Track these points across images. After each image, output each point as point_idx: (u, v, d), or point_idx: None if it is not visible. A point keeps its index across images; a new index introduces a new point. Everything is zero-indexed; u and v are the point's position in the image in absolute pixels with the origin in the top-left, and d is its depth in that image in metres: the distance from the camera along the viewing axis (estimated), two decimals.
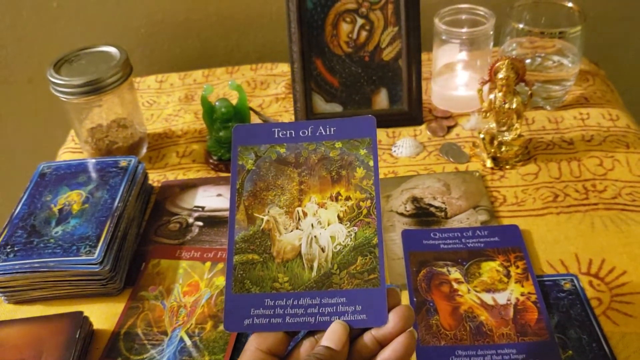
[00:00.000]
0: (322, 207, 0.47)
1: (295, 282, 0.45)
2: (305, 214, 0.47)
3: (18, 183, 0.84)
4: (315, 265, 0.45)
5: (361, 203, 0.47)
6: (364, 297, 0.44)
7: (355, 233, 0.46)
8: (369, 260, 0.45)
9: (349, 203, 0.47)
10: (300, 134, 0.50)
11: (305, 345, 0.44)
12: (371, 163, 0.48)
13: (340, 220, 0.47)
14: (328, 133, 0.49)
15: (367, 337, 0.43)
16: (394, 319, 0.43)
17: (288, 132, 0.50)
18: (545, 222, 0.72)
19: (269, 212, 0.48)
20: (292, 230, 0.47)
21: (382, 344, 0.43)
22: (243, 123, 0.78)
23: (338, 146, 0.49)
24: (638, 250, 0.67)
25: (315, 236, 0.46)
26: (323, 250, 0.46)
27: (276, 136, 0.50)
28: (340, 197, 0.47)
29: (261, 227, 0.47)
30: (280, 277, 0.45)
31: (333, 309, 0.44)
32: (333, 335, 0.42)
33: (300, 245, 0.46)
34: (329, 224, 0.47)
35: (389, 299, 0.44)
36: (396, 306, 0.43)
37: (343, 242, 0.46)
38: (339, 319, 0.43)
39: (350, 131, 0.49)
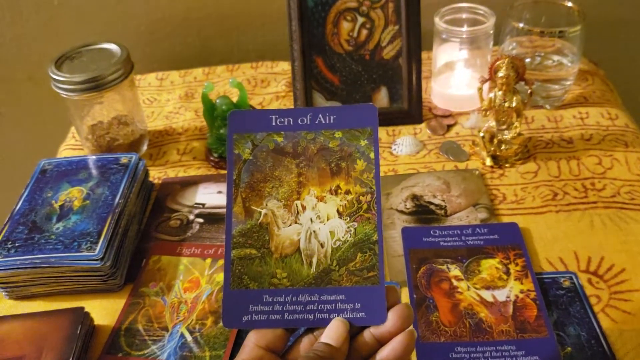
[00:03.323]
0: (321, 201, 0.46)
1: (294, 278, 0.45)
2: (304, 208, 0.46)
3: (19, 179, 0.84)
4: (314, 261, 0.45)
5: (361, 197, 0.46)
6: (363, 295, 0.43)
7: (355, 229, 0.45)
8: (369, 257, 0.44)
9: (349, 197, 0.46)
10: (299, 122, 0.48)
11: (305, 342, 0.44)
12: (372, 155, 0.46)
13: (340, 214, 0.46)
14: (327, 121, 0.47)
15: (367, 335, 0.43)
16: (392, 317, 0.42)
17: (286, 119, 0.48)
18: (544, 220, 0.72)
19: (267, 205, 0.46)
20: (290, 225, 0.46)
21: (381, 342, 0.43)
22: None
23: (338, 136, 0.47)
24: (636, 248, 0.67)
25: (314, 231, 0.45)
26: (322, 245, 0.45)
27: (274, 123, 0.48)
28: (339, 191, 0.46)
29: (259, 221, 0.46)
30: (279, 272, 0.45)
31: (332, 306, 0.44)
32: (333, 332, 0.42)
33: (299, 240, 0.45)
34: (328, 219, 0.46)
35: (388, 297, 0.43)
36: (395, 304, 0.43)
37: (342, 237, 0.45)
38: (338, 316, 0.43)
39: (350, 120, 0.47)
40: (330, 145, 0.47)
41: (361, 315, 0.43)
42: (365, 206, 0.46)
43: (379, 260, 0.44)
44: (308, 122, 0.48)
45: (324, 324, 0.43)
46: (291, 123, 0.48)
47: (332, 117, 0.48)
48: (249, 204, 0.47)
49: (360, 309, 0.43)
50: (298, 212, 0.46)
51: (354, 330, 0.43)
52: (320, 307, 0.44)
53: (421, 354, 0.58)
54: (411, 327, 0.43)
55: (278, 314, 0.44)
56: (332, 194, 0.46)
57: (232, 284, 0.45)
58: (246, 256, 0.45)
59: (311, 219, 0.46)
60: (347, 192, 0.46)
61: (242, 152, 0.48)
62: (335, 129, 0.48)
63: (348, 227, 0.45)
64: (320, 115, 0.48)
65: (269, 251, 0.46)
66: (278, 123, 0.48)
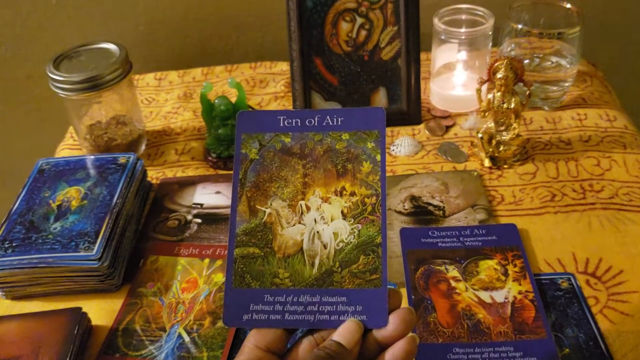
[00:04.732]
0: (325, 202, 0.46)
1: (295, 279, 0.44)
2: (308, 208, 0.46)
3: (17, 179, 0.84)
4: (317, 262, 0.45)
5: (366, 199, 0.46)
6: (365, 298, 0.43)
7: (359, 231, 0.45)
8: (372, 260, 0.44)
9: (354, 199, 0.46)
10: (307, 123, 0.48)
11: (304, 344, 0.44)
12: (378, 157, 0.46)
13: (344, 216, 0.45)
14: (335, 123, 0.48)
15: (368, 338, 0.43)
16: (394, 321, 0.42)
17: (294, 120, 0.48)
18: (542, 221, 0.72)
19: (271, 204, 0.46)
20: (294, 225, 0.46)
21: (382, 345, 0.42)
22: None
23: (345, 138, 0.47)
24: (635, 249, 0.67)
25: (317, 232, 0.45)
26: (325, 246, 0.45)
27: (281, 125, 0.48)
28: (345, 192, 0.46)
29: (263, 220, 0.46)
30: (281, 272, 0.45)
31: (333, 308, 0.43)
32: (347, 333, 0.42)
33: (302, 240, 0.45)
34: (332, 220, 0.45)
35: (390, 300, 0.43)
36: (397, 307, 0.43)
37: (346, 239, 0.45)
38: (338, 318, 0.43)
39: (358, 122, 0.47)
40: (337, 146, 0.47)
41: (362, 318, 0.43)
42: (370, 208, 0.46)
43: (382, 263, 0.44)
44: (316, 124, 0.48)
45: (324, 325, 0.43)
46: (299, 124, 0.48)
47: (339, 119, 0.48)
48: (253, 203, 0.47)
49: (362, 311, 0.43)
50: (302, 213, 0.46)
51: None
52: (322, 308, 0.43)
53: (419, 355, 0.58)
54: (413, 332, 0.42)
55: (279, 314, 0.44)
56: (337, 195, 0.46)
57: (234, 282, 0.45)
58: (249, 255, 0.45)
59: (315, 220, 0.46)
60: (352, 194, 0.46)
61: (249, 152, 0.48)
62: (343, 131, 0.48)
63: (352, 229, 0.45)
64: (328, 117, 0.48)
65: (272, 251, 0.45)
66: (286, 124, 0.48)
